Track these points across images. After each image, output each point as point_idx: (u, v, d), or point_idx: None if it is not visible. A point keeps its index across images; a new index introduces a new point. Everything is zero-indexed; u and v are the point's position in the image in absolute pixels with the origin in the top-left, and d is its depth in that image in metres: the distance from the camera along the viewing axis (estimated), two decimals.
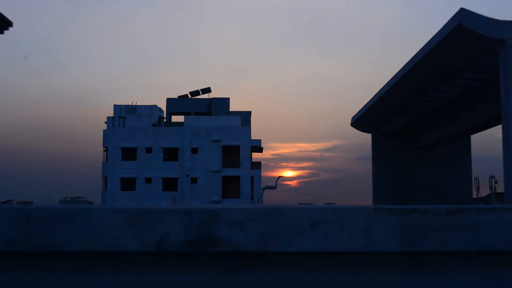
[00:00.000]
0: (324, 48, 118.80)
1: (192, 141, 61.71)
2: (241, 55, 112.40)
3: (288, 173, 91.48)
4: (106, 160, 62.10)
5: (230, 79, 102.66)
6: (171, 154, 61.99)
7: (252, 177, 62.14)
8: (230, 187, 61.75)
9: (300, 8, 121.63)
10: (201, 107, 69.04)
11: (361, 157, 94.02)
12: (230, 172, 61.55)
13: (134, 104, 64.45)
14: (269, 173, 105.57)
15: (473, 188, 48.35)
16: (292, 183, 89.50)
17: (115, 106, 64.49)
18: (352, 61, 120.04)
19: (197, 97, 70.73)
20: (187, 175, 61.29)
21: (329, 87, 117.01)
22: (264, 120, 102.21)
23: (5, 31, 20.80)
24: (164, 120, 68.96)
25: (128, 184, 61.32)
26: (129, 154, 61.74)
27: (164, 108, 69.78)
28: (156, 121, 65.58)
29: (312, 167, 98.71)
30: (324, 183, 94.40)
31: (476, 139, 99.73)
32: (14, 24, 20.74)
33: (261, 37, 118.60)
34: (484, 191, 52.75)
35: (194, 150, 61.77)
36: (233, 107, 71.47)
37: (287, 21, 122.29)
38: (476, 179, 50.90)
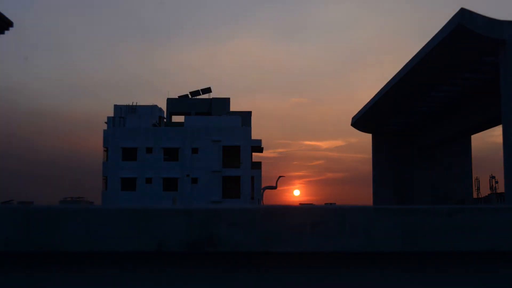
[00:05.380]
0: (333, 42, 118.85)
1: (193, 141, 61.71)
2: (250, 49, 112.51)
3: (295, 173, 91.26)
4: (107, 160, 62.09)
5: (234, 75, 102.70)
6: (171, 154, 62.00)
7: (252, 177, 62.17)
8: (230, 187, 61.77)
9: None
10: (202, 107, 69.04)
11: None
12: (231, 172, 61.57)
13: (134, 104, 64.44)
14: (275, 172, 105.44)
15: (474, 188, 48.31)
16: (298, 182, 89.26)
17: (115, 106, 64.49)
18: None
19: (198, 97, 70.71)
20: (188, 175, 61.30)
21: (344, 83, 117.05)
22: (271, 117, 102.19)
23: (5, 31, 20.80)
24: (165, 120, 68.97)
25: (128, 184, 61.34)
26: (129, 154, 61.74)
27: (164, 108, 69.75)
28: (156, 121, 65.60)
29: (320, 166, 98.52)
30: (330, 182, 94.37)
31: (476, 139, 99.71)
32: (14, 24, 20.75)
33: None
34: (485, 191, 52.69)
35: (195, 150, 61.79)
36: (237, 105, 71.47)
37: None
38: (477, 179, 50.85)
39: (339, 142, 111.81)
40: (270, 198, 61.63)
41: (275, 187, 58.60)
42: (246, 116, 67.05)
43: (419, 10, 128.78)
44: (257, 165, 64.05)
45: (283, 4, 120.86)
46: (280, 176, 59.08)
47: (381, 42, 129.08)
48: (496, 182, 52.34)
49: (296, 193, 72.33)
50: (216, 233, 1.80)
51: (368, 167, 51.83)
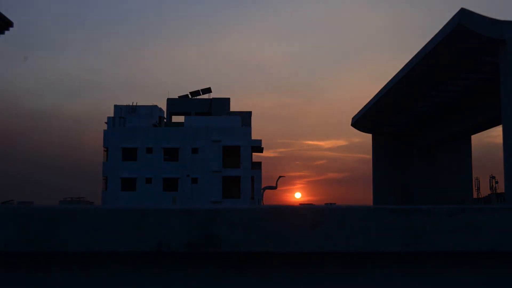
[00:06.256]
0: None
1: (193, 141, 61.68)
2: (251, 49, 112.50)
3: (295, 173, 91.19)
4: (107, 160, 62.06)
5: (234, 75, 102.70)
6: (171, 154, 61.97)
7: (252, 177, 62.13)
8: (230, 187, 61.74)
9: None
10: (202, 107, 68.97)
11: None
12: (231, 172, 61.54)
13: (134, 104, 64.42)
14: (275, 172, 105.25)
15: (474, 188, 48.32)
16: (298, 182, 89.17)
17: (115, 106, 64.47)
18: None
19: (198, 97, 70.65)
20: (188, 175, 61.27)
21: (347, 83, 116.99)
22: (272, 117, 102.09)
23: (5, 31, 20.80)
24: (165, 120, 68.92)
25: (128, 184, 61.32)
26: (129, 154, 61.71)
27: (164, 108, 69.71)
28: (156, 121, 65.57)
29: (322, 166, 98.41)
30: (331, 182, 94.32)
31: (476, 139, 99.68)
32: (14, 24, 20.75)
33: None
34: (485, 191, 52.74)
35: (195, 150, 61.74)
36: (237, 105, 71.39)
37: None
38: (477, 179, 50.87)
39: (341, 142, 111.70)
40: (270, 198, 61.66)
41: (275, 187, 58.61)
42: (246, 116, 67.01)
43: (417, 9, 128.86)
44: (257, 165, 64.00)
45: (284, 4, 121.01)
46: (280, 176, 59.12)
47: (385, 40, 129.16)
48: (496, 182, 52.39)
49: (297, 196, 72.14)
50: (216, 233, 1.80)
51: (369, 167, 51.82)
